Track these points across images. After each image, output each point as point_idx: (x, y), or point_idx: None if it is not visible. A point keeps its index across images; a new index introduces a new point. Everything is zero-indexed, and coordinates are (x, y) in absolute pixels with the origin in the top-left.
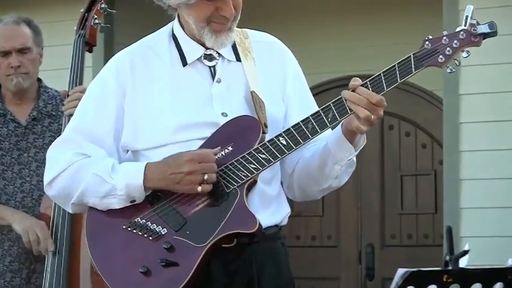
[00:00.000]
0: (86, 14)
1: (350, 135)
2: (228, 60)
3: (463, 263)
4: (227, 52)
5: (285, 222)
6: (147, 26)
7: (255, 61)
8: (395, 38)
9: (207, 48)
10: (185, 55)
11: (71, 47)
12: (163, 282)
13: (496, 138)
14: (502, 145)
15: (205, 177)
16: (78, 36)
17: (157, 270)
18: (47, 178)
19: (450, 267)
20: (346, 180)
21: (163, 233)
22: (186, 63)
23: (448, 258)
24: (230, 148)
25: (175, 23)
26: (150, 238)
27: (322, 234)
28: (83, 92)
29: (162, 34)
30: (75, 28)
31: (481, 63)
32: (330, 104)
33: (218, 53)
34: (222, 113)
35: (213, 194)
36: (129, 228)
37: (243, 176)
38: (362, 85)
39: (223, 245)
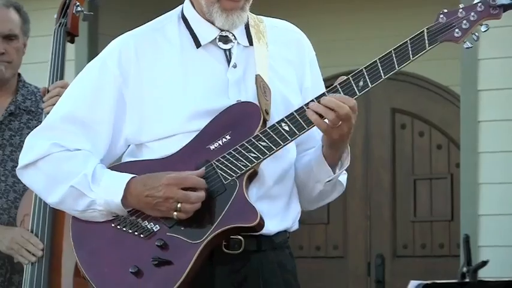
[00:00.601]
0: (67, 1)
1: (330, 154)
2: (243, 45)
3: None
4: (240, 35)
5: (295, 227)
6: (133, 15)
7: (267, 46)
8: (405, 27)
9: (222, 30)
10: (198, 37)
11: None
12: (156, 283)
13: None
14: None
15: (178, 205)
16: (59, 26)
17: (149, 270)
18: (20, 163)
19: (468, 280)
20: (335, 197)
21: (155, 229)
22: (200, 45)
23: (465, 269)
24: (228, 137)
25: (185, 3)
26: (141, 236)
27: (327, 243)
28: (64, 87)
29: (170, 16)
30: (55, 16)
31: (502, 56)
32: (336, 86)
33: (234, 36)
34: (237, 101)
35: (210, 187)
36: (118, 226)
37: (242, 166)
38: (370, 64)
39: (229, 251)
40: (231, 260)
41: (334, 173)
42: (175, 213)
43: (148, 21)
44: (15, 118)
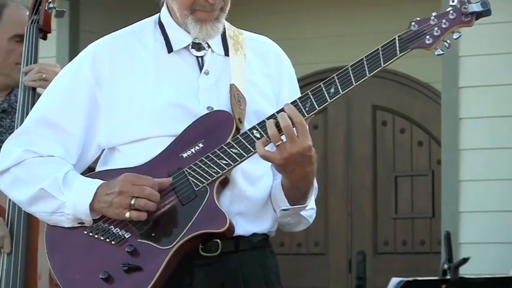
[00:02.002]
0: None
1: (289, 188)
2: (218, 54)
3: None
4: (216, 45)
5: (273, 231)
6: (114, 12)
7: (245, 57)
8: (388, 24)
9: (196, 37)
10: (171, 42)
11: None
12: None
13: (499, 136)
14: (506, 143)
15: (132, 201)
16: (31, 23)
17: (119, 276)
18: None
19: (449, 276)
20: (301, 228)
21: (126, 236)
22: (172, 50)
23: (446, 266)
24: (201, 145)
25: (162, 10)
26: (113, 243)
27: (308, 240)
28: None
29: (147, 21)
30: (27, 14)
31: (483, 53)
32: (308, 93)
33: (208, 44)
34: (208, 107)
35: (181, 194)
36: (91, 234)
37: (213, 172)
38: (342, 71)
39: (207, 254)
40: (210, 263)
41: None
42: (127, 213)
43: (130, 18)
44: (7, 116)
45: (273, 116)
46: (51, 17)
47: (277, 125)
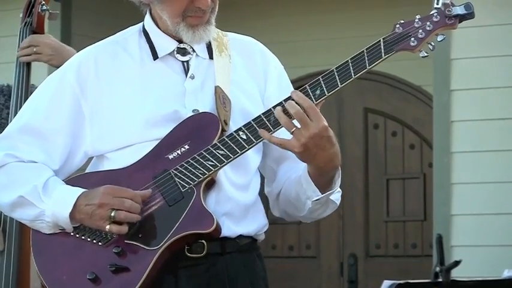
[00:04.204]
0: (33, 0)
1: (315, 176)
2: (202, 57)
3: None
4: (200, 49)
5: (261, 234)
6: (106, 15)
7: (230, 58)
8: (379, 28)
9: (180, 42)
10: (156, 49)
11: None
12: None
13: (491, 139)
14: (497, 146)
15: (112, 213)
16: (25, 25)
17: (106, 277)
18: None
19: (440, 279)
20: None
21: (113, 237)
22: (157, 57)
23: (438, 269)
24: (187, 146)
25: (146, 18)
26: (100, 244)
27: (300, 243)
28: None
29: (131, 30)
30: (20, 16)
31: (474, 56)
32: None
33: (192, 48)
34: (193, 110)
35: (168, 195)
36: (77, 235)
37: (200, 173)
38: (327, 73)
39: (192, 255)
40: (195, 264)
41: (323, 193)
42: (108, 226)
43: (121, 22)
44: None
45: (259, 118)
46: (44, 19)
47: (287, 113)
